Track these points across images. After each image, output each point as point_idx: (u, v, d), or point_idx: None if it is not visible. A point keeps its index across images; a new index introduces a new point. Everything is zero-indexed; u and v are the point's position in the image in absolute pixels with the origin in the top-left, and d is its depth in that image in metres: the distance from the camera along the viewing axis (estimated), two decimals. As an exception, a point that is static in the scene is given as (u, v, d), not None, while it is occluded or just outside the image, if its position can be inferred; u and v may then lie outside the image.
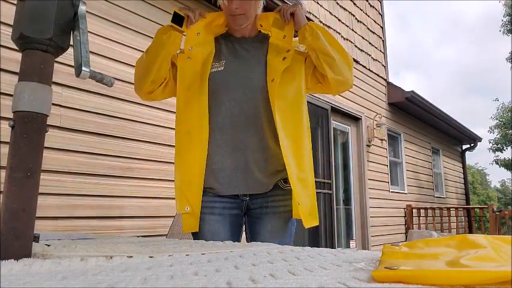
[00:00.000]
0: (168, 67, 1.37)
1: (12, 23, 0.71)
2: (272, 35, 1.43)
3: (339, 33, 5.70)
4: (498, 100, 25.34)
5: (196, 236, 1.38)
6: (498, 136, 19.34)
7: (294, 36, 1.43)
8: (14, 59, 2.15)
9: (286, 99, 1.35)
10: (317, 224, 1.36)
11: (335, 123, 5.57)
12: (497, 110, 20.06)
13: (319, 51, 1.32)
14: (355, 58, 6.05)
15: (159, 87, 1.38)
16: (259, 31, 1.47)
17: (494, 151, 19.60)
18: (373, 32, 6.83)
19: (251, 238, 1.44)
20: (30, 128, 0.66)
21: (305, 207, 1.31)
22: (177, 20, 1.31)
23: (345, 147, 5.92)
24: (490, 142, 19.59)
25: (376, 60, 6.76)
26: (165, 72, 1.35)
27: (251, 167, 1.35)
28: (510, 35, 17.90)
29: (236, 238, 1.42)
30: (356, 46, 6.13)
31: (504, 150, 19.24)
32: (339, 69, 1.33)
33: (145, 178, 2.75)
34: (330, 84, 1.36)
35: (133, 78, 1.41)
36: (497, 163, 19.95)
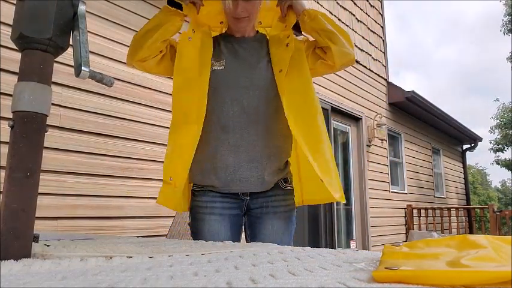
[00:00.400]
0: (166, 43, 1.37)
1: (12, 23, 0.71)
2: (272, 28, 1.48)
3: (339, 33, 5.71)
4: (498, 100, 25.34)
5: (196, 236, 1.38)
6: (499, 137, 19.34)
7: (298, 32, 1.46)
8: (14, 59, 2.15)
9: (293, 89, 1.36)
10: (344, 201, 1.39)
11: (335, 123, 5.57)
12: (498, 110, 20.07)
13: (320, 30, 1.37)
14: (355, 58, 6.05)
15: (154, 58, 1.35)
16: (257, 31, 1.49)
17: (495, 151, 19.61)
18: (373, 32, 6.82)
19: (251, 238, 1.44)
20: (29, 128, 0.66)
21: (329, 183, 1.30)
22: (174, 6, 1.33)
23: (345, 147, 5.92)
24: (490, 142, 19.60)
25: (376, 60, 6.76)
26: (161, 44, 1.34)
27: (253, 165, 1.35)
28: (510, 34, 17.89)
29: (236, 238, 1.42)
30: (356, 46, 6.13)
31: (505, 150, 19.25)
32: (341, 41, 1.37)
33: (145, 178, 2.75)
34: (333, 57, 1.37)
35: (128, 51, 1.36)
36: (497, 163, 19.96)
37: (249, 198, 1.40)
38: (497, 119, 19.82)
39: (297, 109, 1.33)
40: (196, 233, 1.37)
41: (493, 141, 19.54)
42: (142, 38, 1.32)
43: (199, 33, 1.41)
